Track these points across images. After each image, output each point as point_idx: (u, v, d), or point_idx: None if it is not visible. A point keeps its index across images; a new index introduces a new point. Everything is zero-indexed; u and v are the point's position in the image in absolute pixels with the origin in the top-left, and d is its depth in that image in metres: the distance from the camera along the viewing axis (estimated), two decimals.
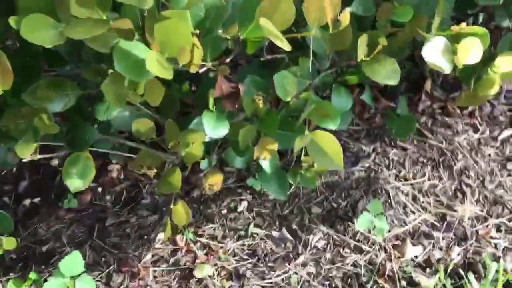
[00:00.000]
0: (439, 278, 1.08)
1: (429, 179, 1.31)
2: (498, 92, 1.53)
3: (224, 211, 1.26)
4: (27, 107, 0.70)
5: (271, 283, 1.12)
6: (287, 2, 0.63)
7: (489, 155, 1.36)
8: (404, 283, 1.10)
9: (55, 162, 1.44)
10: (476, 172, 1.32)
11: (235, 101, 0.83)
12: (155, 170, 1.33)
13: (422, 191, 1.28)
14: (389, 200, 1.25)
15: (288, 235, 1.20)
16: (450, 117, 1.46)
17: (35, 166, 1.42)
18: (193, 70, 0.71)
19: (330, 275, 1.13)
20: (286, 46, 0.62)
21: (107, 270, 1.15)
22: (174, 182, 0.85)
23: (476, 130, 1.43)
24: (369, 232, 1.19)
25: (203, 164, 1.33)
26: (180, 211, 0.91)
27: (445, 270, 1.10)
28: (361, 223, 1.14)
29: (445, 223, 1.22)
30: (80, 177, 0.88)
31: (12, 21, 0.65)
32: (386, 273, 1.12)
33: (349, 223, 1.21)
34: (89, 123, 0.85)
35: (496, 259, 1.13)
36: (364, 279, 1.12)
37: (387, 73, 0.82)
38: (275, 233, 1.20)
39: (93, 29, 0.56)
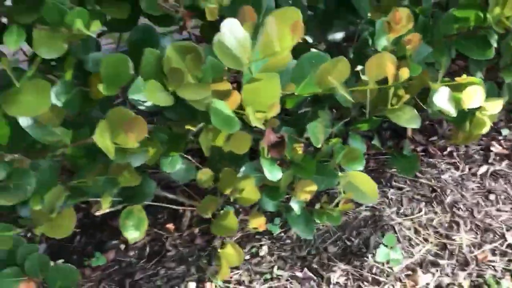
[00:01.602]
0: None
1: (425, 214, 1.45)
2: None
3: (247, 257, 1.33)
4: (115, 163, 0.78)
5: None
6: (344, 62, 0.77)
7: (472, 189, 1.54)
8: None
9: None
10: (465, 204, 1.48)
11: (281, 150, 0.94)
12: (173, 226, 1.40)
13: (422, 224, 1.42)
14: (396, 235, 1.37)
15: (311, 274, 1.28)
16: (433, 158, 1.64)
17: None
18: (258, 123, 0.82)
19: None
20: (349, 98, 0.75)
21: None
22: (230, 225, 0.93)
23: (457, 168, 1.61)
24: (383, 265, 1.30)
25: None
26: (231, 253, 0.98)
27: None
28: (380, 256, 1.25)
29: (447, 251, 1.35)
30: (136, 228, 0.95)
31: (101, 87, 0.74)
32: None
33: (365, 258, 1.31)
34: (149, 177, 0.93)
35: (497, 280, 1.27)
36: None
37: (409, 119, 0.96)
38: (298, 274, 1.29)
39: (201, 91, 0.66)
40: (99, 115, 0.89)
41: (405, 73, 0.71)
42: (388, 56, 0.72)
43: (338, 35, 1.26)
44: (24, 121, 0.65)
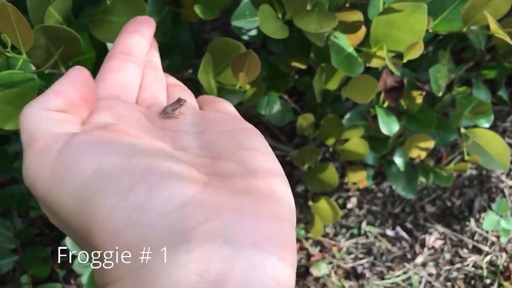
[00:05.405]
0: None
1: None
2: None
3: None
4: None
5: (392, 283, 1.09)
6: None
7: None
8: None
9: None
10: None
11: (399, 96, 0.80)
12: None
13: None
14: (505, 200, 1.20)
15: (404, 234, 1.16)
16: None
17: None
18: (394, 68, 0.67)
19: (451, 276, 1.10)
20: (508, 39, 0.58)
21: None
22: (329, 180, 0.82)
23: None
24: (487, 232, 1.15)
25: None
26: (325, 208, 0.87)
27: None
28: (487, 224, 1.10)
29: None
30: None
31: (197, 9, 0.63)
32: None
33: (466, 222, 1.17)
34: None
35: None
36: (487, 281, 1.08)
37: None
38: (389, 232, 1.17)
39: (325, 22, 0.52)
40: (188, 42, 0.78)
41: None
42: None
43: None
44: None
